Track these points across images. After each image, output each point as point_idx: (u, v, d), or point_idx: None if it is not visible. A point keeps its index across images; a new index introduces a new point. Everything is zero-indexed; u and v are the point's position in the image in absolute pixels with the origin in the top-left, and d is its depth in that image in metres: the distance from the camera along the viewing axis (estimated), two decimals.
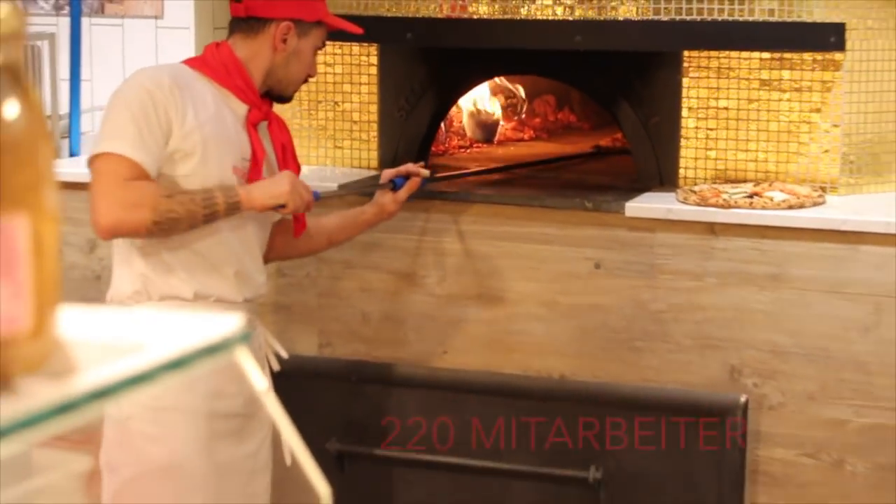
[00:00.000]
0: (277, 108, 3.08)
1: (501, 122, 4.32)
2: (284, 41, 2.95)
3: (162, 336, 0.96)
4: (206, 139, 2.83)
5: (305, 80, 3.08)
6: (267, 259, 3.10)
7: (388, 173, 3.25)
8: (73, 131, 3.94)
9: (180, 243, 2.83)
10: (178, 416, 2.89)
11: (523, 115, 4.43)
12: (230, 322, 0.99)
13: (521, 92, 4.44)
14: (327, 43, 3.20)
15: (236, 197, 2.77)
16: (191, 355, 0.95)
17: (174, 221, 2.72)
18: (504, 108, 4.36)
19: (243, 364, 1.02)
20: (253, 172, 2.93)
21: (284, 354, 3.08)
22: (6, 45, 0.82)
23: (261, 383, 1.06)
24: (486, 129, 4.26)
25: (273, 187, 2.84)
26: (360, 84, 3.78)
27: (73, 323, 0.96)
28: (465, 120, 4.23)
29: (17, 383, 0.85)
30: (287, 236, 3.10)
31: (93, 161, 2.77)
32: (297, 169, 3.10)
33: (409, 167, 3.26)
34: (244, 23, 2.96)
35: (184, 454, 2.90)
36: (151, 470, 2.90)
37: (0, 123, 0.81)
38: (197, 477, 2.92)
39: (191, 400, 2.89)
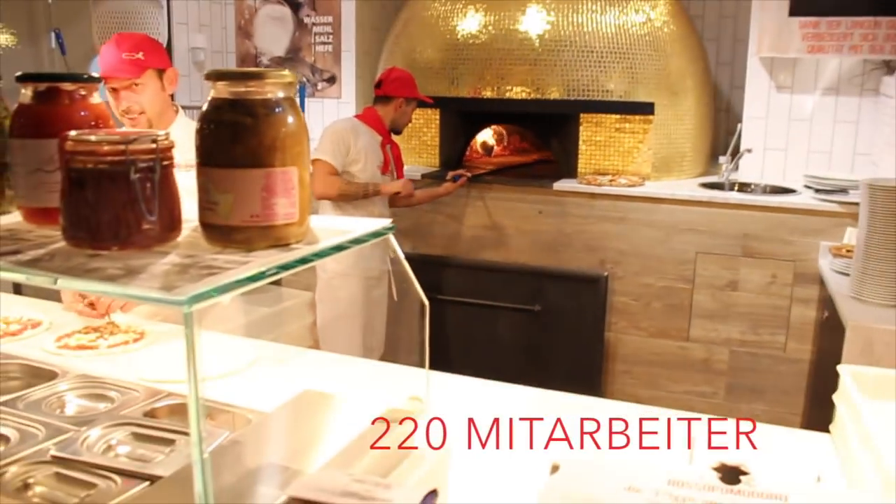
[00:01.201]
0: (395, 137, 3.05)
1: (495, 146, 4.27)
2: (400, 107, 2.92)
3: (353, 227, 0.95)
4: (366, 155, 2.82)
5: (407, 125, 3.04)
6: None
7: (451, 173, 3.24)
8: None
9: (356, 203, 2.82)
10: (353, 278, 2.91)
11: (505, 143, 4.37)
12: (385, 222, 0.98)
13: (504, 132, 4.38)
14: (418, 109, 3.16)
15: (378, 187, 2.78)
16: (366, 235, 0.95)
17: (349, 195, 2.72)
18: (496, 140, 4.30)
19: (392, 242, 1.01)
20: (384, 169, 2.92)
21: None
22: (289, 88, 0.81)
23: (400, 253, 1.05)
24: (488, 149, 4.21)
25: (396, 183, 2.86)
26: (431, 128, 3.73)
27: (315, 222, 0.95)
28: (479, 145, 4.17)
29: (291, 246, 0.85)
30: (395, 198, 3.07)
31: (313, 162, 2.75)
32: (402, 166, 3.07)
33: (462, 171, 3.25)
34: (381, 98, 2.93)
35: (356, 295, 2.92)
36: (341, 304, 2.92)
37: (286, 124, 0.80)
38: (361, 305, 2.93)
39: (359, 270, 2.90)
